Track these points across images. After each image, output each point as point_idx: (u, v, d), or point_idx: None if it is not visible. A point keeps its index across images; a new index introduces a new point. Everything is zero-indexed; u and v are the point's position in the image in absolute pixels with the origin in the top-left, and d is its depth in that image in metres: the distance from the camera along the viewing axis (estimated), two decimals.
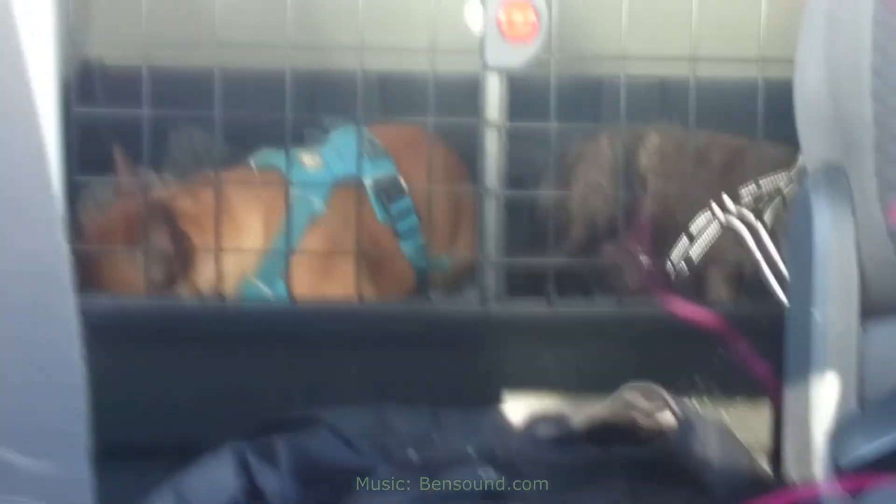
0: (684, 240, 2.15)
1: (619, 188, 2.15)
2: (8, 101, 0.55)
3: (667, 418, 1.67)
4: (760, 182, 2.09)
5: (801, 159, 2.04)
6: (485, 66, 1.76)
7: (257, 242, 2.00)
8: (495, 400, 1.84)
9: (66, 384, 0.55)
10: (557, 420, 1.69)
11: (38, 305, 0.54)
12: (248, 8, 2.22)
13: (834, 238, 1.34)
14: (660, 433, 1.67)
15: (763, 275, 1.99)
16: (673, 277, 2.18)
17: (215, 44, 1.80)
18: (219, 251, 1.95)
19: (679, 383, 1.83)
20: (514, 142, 1.93)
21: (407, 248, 2.15)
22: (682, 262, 2.14)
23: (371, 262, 2.04)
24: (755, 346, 1.90)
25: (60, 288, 0.55)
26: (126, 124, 1.91)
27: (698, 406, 1.80)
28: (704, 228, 2.14)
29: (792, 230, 1.52)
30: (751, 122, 1.98)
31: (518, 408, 1.74)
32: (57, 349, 0.55)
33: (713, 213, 2.13)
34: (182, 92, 1.90)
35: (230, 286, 1.98)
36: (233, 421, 1.68)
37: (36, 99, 0.55)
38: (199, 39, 1.88)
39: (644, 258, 2.23)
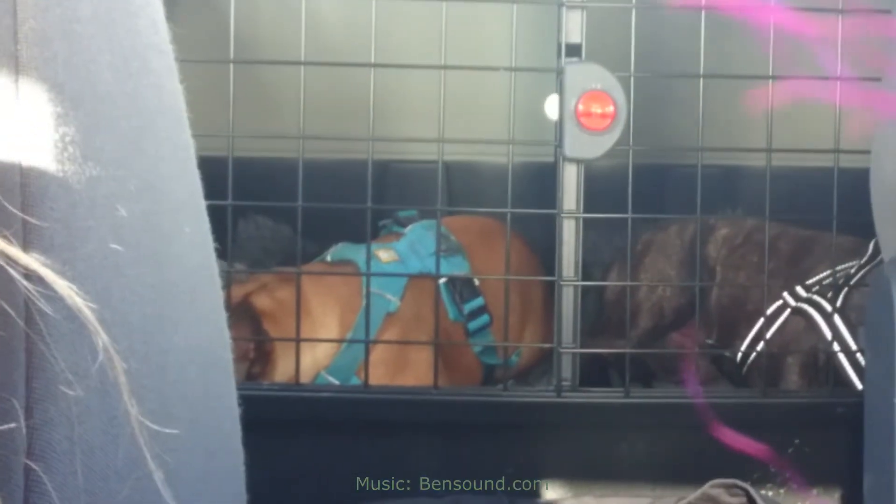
0: (755, 329, 2.14)
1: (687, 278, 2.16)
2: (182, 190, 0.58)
3: None
4: (830, 270, 2.09)
5: (874, 247, 2.05)
6: (563, 157, 1.76)
7: (332, 337, 1.97)
8: (573, 490, 1.83)
9: (229, 467, 0.57)
10: None
11: (204, 390, 0.56)
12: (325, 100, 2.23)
13: None
14: None
15: (836, 361, 1.98)
16: (744, 367, 2.17)
17: (297, 135, 1.80)
18: (297, 347, 1.89)
19: (756, 475, 1.82)
20: (588, 231, 1.93)
21: (477, 345, 2.12)
22: (754, 351, 2.13)
23: (441, 359, 2.00)
24: (828, 433, 1.88)
25: (224, 374, 0.58)
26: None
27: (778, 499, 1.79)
28: (775, 316, 2.13)
29: (871, 318, 1.51)
30: (820, 210, 1.97)
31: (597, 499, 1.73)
32: (220, 432, 0.57)
33: (784, 301, 2.13)
34: (258, 183, 1.90)
35: (305, 381, 1.94)
36: None
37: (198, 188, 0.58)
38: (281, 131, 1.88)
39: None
